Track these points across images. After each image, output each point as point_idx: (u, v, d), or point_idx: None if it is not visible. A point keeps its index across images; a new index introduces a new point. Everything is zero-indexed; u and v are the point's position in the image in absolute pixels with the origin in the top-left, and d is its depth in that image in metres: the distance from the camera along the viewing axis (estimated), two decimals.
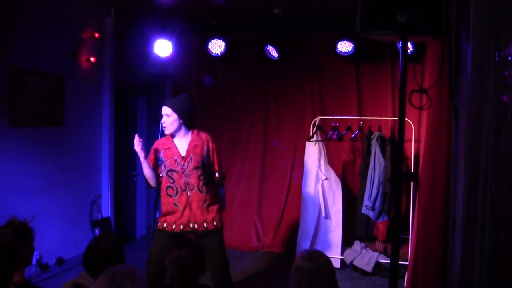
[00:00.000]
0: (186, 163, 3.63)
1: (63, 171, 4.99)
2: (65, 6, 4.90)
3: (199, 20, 5.89)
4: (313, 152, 5.30)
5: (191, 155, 3.64)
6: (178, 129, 3.69)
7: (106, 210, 5.62)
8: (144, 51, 5.76)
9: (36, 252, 4.42)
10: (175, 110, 3.65)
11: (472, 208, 2.67)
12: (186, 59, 6.29)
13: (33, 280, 4.26)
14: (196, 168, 3.63)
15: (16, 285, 2.33)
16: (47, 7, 4.67)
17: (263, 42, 5.72)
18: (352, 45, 5.37)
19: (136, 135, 3.58)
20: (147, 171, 3.68)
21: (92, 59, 5.27)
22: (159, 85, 6.86)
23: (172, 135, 3.71)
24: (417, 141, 5.31)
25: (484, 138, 2.54)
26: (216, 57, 5.83)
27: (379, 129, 5.39)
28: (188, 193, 3.64)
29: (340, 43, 5.39)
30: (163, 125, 3.68)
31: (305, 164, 5.39)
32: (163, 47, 5.56)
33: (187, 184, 3.63)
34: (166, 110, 3.66)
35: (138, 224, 6.64)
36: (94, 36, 5.25)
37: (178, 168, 3.63)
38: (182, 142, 3.71)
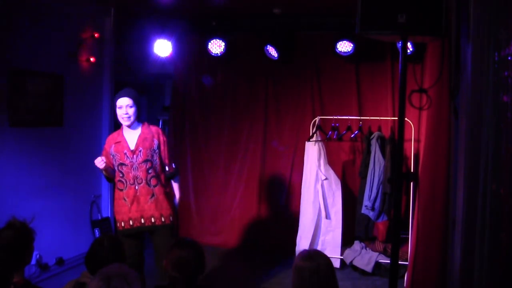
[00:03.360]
0: (135, 156, 3.58)
1: (63, 171, 5.00)
2: (65, 6, 4.90)
3: (199, 20, 5.89)
4: (313, 152, 5.30)
5: (140, 148, 3.59)
6: (134, 121, 3.65)
7: (106, 210, 5.62)
8: (144, 51, 5.76)
9: (36, 252, 4.42)
10: (136, 101, 3.62)
11: (472, 208, 2.67)
12: (186, 59, 6.29)
13: (33, 280, 4.25)
14: (145, 161, 3.58)
15: (16, 285, 2.33)
16: (47, 7, 4.67)
17: (263, 42, 5.71)
18: (352, 45, 5.36)
19: (100, 157, 3.57)
20: (110, 175, 3.71)
21: (92, 59, 5.27)
22: (159, 85, 6.86)
23: (121, 129, 3.69)
24: (417, 141, 5.31)
25: (484, 138, 2.54)
26: (216, 57, 5.82)
27: (379, 129, 5.39)
28: (136, 187, 3.58)
29: (340, 43, 5.39)
30: (126, 116, 3.59)
31: (305, 164, 5.39)
32: (163, 47, 5.56)
33: (135, 177, 3.57)
34: (128, 101, 3.59)
35: None
36: (94, 36, 5.25)
37: (128, 161, 3.58)
38: (132, 135, 3.65)
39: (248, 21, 5.86)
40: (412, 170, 5.26)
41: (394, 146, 5.03)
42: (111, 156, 3.64)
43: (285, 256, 5.62)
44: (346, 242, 5.38)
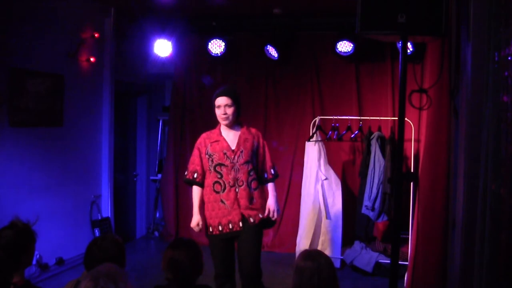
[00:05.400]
0: (236, 157, 3.42)
1: (63, 171, 4.99)
2: (65, 6, 4.90)
3: (199, 20, 5.89)
4: (313, 152, 5.30)
5: (242, 149, 3.44)
6: (233, 121, 3.52)
7: (106, 210, 5.62)
8: (144, 51, 5.76)
9: (36, 252, 4.41)
10: (235, 100, 3.48)
11: (472, 208, 2.67)
12: (186, 59, 6.29)
13: (33, 280, 4.25)
14: (246, 162, 3.43)
15: (16, 286, 2.32)
16: (47, 7, 4.67)
17: (263, 42, 5.72)
18: (352, 45, 5.36)
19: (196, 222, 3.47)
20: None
21: (92, 59, 5.27)
22: (159, 85, 6.86)
23: (218, 128, 3.55)
24: (417, 141, 5.31)
25: (484, 138, 2.54)
26: (216, 57, 5.82)
27: (379, 129, 5.39)
28: (237, 189, 3.39)
29: (340, 43, 5.39)
30: (224, 116, 3.45)
31: (305, 164, 5.39)
32: (163, 47, 5.56)
33: (236, 179, 3.40)
34: (226, 100, 3.46)
35: (138, 224, 6.64)
36: (94, 36, 5.24)
37: (227, 162, 3.40)
38: (231, 135, 3.51)
39: (248, 21, 5.86)
40: (412, 170, 5.26)
41: (394, 146, 5.03)
42: (207, 157, 3.46)
43: (285, 256, 5.62)
44: (346, 242, 5.38)
